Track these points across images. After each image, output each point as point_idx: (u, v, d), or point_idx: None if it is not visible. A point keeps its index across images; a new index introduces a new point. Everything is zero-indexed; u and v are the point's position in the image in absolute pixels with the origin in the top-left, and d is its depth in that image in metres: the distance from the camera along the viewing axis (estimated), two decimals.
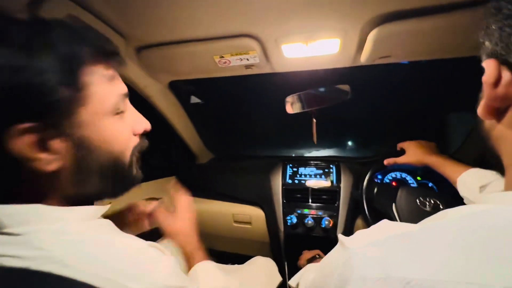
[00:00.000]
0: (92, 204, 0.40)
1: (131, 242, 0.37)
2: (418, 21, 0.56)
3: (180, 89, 1.05)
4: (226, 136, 1.40)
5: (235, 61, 0.76)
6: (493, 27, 0.27)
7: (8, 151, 0.29)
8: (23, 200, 0.33)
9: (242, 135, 1.40)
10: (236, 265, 0.92)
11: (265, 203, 1.10)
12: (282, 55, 0.73)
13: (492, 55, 0.28)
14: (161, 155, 1.33)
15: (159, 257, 0.38)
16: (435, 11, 0.54)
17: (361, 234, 0.31)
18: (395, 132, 1.20)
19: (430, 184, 0.97)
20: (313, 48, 0.70)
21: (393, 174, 1.03)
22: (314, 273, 0.39)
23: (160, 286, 0.35)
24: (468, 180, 0.69)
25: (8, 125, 0.29)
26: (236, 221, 1.14)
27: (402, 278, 0.22)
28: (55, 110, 0.31)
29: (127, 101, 0.42)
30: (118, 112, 0.38)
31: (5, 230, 0.30)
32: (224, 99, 1.30)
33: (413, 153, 0.86)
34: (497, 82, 0.27)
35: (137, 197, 0.71)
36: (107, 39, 0.38)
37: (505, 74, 0.26)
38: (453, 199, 0.74)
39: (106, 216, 0.58)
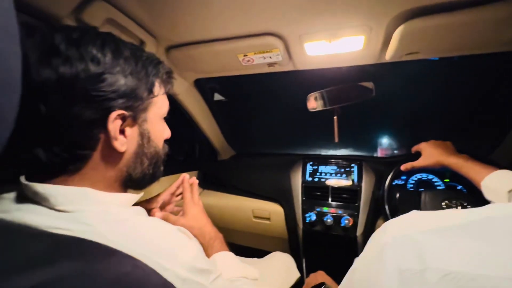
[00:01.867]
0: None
1: (163, 225, 0.41)
2: (447, 16, 0.54)
3: (205, 87, 1.09)
4: (248, 134, 1.42)
5: (259, 59, 0.78)
6: None
7: (107, 129, 0.39)
8: (75, 184, 0.38)
9: (264, 133, 1.42)
10: (255, 259, 0.94)
11: (284, 200, 1.11)
12: (305, 53, 0.74)
13: None
14: (185, 151, 1.39)
15: (187, 241, 0.41)
16: (465, 5, 0.52)
17: (392, 227, 0.30)
18: (420, 131, 1.16)
19: (459, 187, 0.93)
20: (337, 45, 0.70)
21: (418, 175, 0.99)
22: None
23: (188, 266, 0.38)
24: (494, 183, 0.64)
25: (111, 110, 0.38)
26: (255, 217, 1.16)
27: (441, 270, 0.22)
28: (138, 106, 0.43)
29: None
30: (163, 119, 0.51)
31: (58, 207, 0.35)
32: (246, 97, 1.33)
33: (430, 155, 0.82)
34: None
35: (163, 188, 0.75)
36: (165, 64, 0.50)
37: None
38: (485, 201, 0.71)
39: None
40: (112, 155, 0.41)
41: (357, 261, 0.34)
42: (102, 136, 0.39)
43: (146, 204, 0.68)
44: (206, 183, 1.32)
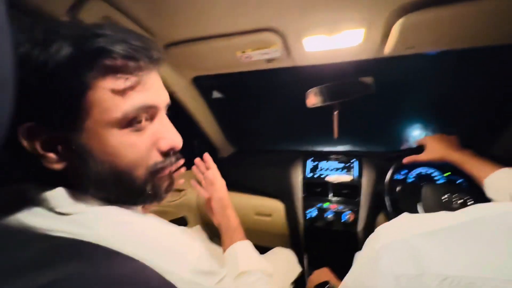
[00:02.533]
0: None
1: (165, 226, 0.40)
2: (446, 8, 0.54)
3: (203, 84, 1.08)
4: (247, 130, 1.42)
5: (257, 55, 0.77)
6: None
7: (23, 145, 0.32)
8: (74, 187, 0.36)
9: (263, 130, 1.42)
10: None
11: (285, 197, 1.11)
12: (304, 48, 0.74)
13: None
14: (183, 148, 1.38)
15: (190, 242, 0.40)
16: None
17: (385, 232, 0.29)
18: (422, 126, 1.15)
19: (459, 180, 0.93)
20: (336, 40, 0.69)
21: (418, 170, 0.99)
22: None
23: (191, 269, 0.37)
24: (498, 182, 0.63)
25: (20, 123, 0.31)
26: (257, 213, 1.16)
27: (438, 275, 0.22)
28: (58, 114, 0.32)
29: (159, 114, 0.40)
30: (133, 125, 0.36)
31: (59, 210, 0.34)
32: (245, 94, 1.33)
33: (434, 149, 0.81)
34: None
35: None
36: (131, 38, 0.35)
37: None
38: (485, 196, 0.71)
39: None
40: (57, 173, 0.35)
41: (352, 268, 0.34)
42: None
43: None
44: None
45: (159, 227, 0.39)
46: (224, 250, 0.63)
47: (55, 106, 0.31)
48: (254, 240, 1.26)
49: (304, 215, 1.04)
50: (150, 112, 0.38)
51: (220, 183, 0.71)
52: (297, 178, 1.10)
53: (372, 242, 0.30)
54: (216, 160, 1.35)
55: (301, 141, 1.34)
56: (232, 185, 1.25)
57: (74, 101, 0.32)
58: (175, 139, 0.40)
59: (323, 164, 1.10)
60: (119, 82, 0.33)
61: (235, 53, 0.76)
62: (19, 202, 0.36)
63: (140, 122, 0.36)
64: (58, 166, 0.34)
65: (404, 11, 0.57)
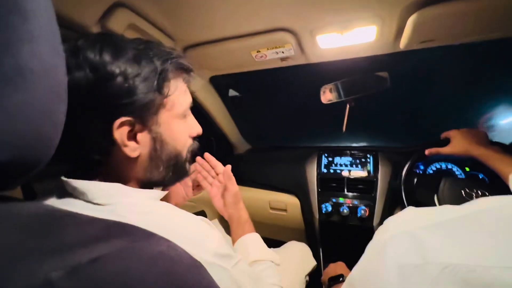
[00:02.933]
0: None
1: (187, 215, 0.44)
2: (460, 2, 0.53)
3: (220, 83, 1.12)
4: (263, 128, 1.45)
5: (271, 54, 0.79)
6: None
7: (113, 137, 0.39)
8: (107, 180, 0.42)
9: (278, 126, 1.44)
10: (272, 248, 0.97)
11: (301, 192, 1.13)
12: (317, 46, 0.75)
13: None
14: (202, 146, 1.44)
15: (209, 229, 0.44)
16: None
17: (392, 224, 0.30)
18: (438, 122, 1.12)
19: (481, 176, 0.90)
20: (349, 37, 0.70)
21: (437, 165, 0.97)
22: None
23: (212, 252, 0.41)
24: None
25: (115, 118, 0.38)
26: (272, 208, 1.19)
27: (440, 264, 0.22)
28: (146, 110, 0.41)
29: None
30: (184, 117, 0.48)
31: (95, 201, 0.40)
32: (261, 91, 1.35)
33: (459, 143, 0.77)
34: None
35: None
36: (183, 58, 0.46)
37: None
38: (508, 192, 0.69)
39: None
40: (126, 160, 0.42)
41: (360, 260, 0.34)
42: (113, 142, 0.39)
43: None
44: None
45: (182, 216, 0.43)
46: (234, 241, 0.66)
47: (147, 104, 0.40)
48: (269, 234, 1.31)
49: (319, 209, 1.05)
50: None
51: (233, 178, 0.75)
52: (312, 174, 1.11)
53: (378, 234, 0.31)
54: (232, 156, 1.41)
55: (316, 137, 1.35)
56: (249, 181, 1.30)
57: (158, 101, 0.42)
58: (199, 128, 0.53)
59: (338, 160, 1.10)
60: (183, 85, 0.47)
61: (250, 53, 0.79)
62: (61, 195, 0.41)
63: (186, 115, 0.49)
64: (135, 153, 0.42)
65: (417, 6, 0.57)
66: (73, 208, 0.39)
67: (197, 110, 1.13)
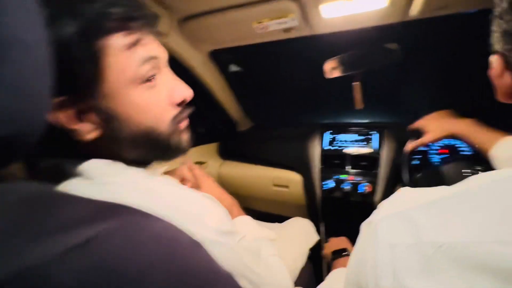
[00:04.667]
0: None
1: (189, 192, 0.43)
2: None
3: (221, 58, 1.08)
4: (266, 104, 1.42)
5: (274, 25, 0.75)
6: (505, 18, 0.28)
7: (53, 122, 0.34)
8: (100, 156, 0.39)
9: (281, 103, 1.40)
10: (276, 223, 1.00)
11: (303, 169, 1.13)
12: (323, 15, 0.70)
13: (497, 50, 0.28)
14: (205, 123, 1.43)
15: (213, 206, 0.43)
16: None
17: (384, 206, 0.30)
18: (447, 96, 1.08)
19: None
20: (359, 3, 0.65)
21: (444, 142, 0.95)
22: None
23: (215, 229, 0.40)
24: (504, 153, 0.59)
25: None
26: (275, 185, 1.20)
27: (434, 243, 0.22)
28: (79, 84, 0.34)
29: (163, 67, 0.41)
30: (146, 80, 0.38)
31: (91, 181, 0.38)
32: (263, 67, 1.30)
33: (436, 127, 0.75)
34: (502, 74, 0.28)
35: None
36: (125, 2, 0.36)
37: (507, 76, 0.28)
38: None
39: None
40: (90, 144, 0.37)
41: (355, 247, 0.34)
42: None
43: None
44: (227, 154, 1.37)
45: (184, 193, 0.42)
46: None
47: (76, 76, 0.33)
48: (273, 210, 1.33)
49: (321, 186, 1.06)
50: (156, 66, 0.39)
51: (205, 186, 0.68)
52: (315, 151, 1.11)
53: (372, 217, 0.31)
54: (235, 133, 1.40)
55: (320, 114, 1.32)
56: (252, 158, 1.30)
57: (91, 69, 0.34)
58: (186, 90, 0.43)
59: (341, 137, 1.09)
60: (124, 40, 0.35)
61: (251, 24, 0.75)
62: (56, 176, 0.39)
63: (150, 79, 0.38)
64: (91, 135, 0.37)
65: None
66: (70, 188, 0.38)
67: (199, 86, 1.10)
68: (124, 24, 0.35)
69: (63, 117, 0.34)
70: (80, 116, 0.36)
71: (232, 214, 0.66)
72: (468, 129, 0.68)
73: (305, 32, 0.81)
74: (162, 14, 0.70)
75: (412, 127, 0.84)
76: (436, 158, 0.92)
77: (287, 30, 0.79)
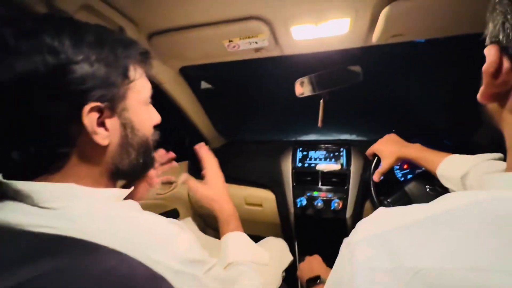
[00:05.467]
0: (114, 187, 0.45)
1: (153, 218, 0.40)
2: None
3: (191, 75, 1.06)
4: (237, 121, 1.41)
5: (244, 44, 0.76)
6: (498, 10, 0.27)
7: (82, 124, 0.36)
8: (59, 180, 0.36)
9: (253, 120, 1.41)
10: None
11: (276, 186, 1.12)
12: (291, 37, 0.73)
13: (494, 40, 0.27)
14: (174, 141, 1.37)
15: (178, 232, 0.40)
16: None
17: (362, 227, 0.30)
18: (407, 115, 1.18)
19: None
20: (323, 29, 0.69)
21: None
22: None
23: (180, 258, 0.37)
24: (447, 171, 0.66)
25: (83, 104, 0.36)
26: (247, 203, 1.17)
27: (412, 268, 0.22)
28: (113, 95, 0.39)
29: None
30: (148, 105, 0.48)
31: (43, 205, 0.34)
32: (234, 84, 1.31)
33: (388, 154, 0.82)
34: (497, 70, 0.27)
35: None
36: (139, 43, 0.46)
37: (506, 62, 0.26)
38: None
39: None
40: (95, 149, 0.39)
41: (334, 264, 0.34)
42: (80, 131, 0.37)
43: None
44: (197, 173, 1.32)
45: (147, 219, 0.39)
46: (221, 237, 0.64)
47: (113, 89, 0.39)
48: (245, 230, 1.29)
49: (295, 203, 1.05)
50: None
51: (214, 184, 0.70)
52: (287, 168, 1.11)
53: (351, 237, 0.30)
54: None
55: (291, 131, 1.35)
56: (223, 176, 1.26)
57: (125, 85, 0.41)
58: (159, 117, 0.52)
59: (312, 154, 1.11)
60: (144, 69, 0.46)
61: (222, 42, 0.75)
62: None
63: (148, 103, 0.48)
64: (106, 141, 0.39)
65: None
66: (13, 215, 0.33)
67: (167, 102, 1.06)
68: (143, 57, 0.46)
69: (91, 121, 0.37)
70: (103, 122, 0.39)
71: (229, 226, 0.64)
72: (416, 152, 0.76)
73: (275, 52, 0.83)
74: (130, 28, 0.68)
75: (368, 153, 0.91)
76: (399, 173, 0.97)
77: (257, 50, 0.80)
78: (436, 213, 0.26)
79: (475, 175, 0.59)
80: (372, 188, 0.88)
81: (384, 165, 0.83)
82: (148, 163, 0.50)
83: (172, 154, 0.75)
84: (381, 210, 0.31)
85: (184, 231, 0.42)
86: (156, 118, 0.51)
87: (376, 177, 0.86)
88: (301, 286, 1.01)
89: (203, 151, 0.72)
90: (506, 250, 0.20)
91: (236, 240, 0.62)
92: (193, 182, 0.67)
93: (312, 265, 0.78)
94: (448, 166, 0.66)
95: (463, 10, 0.57)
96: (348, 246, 0.29)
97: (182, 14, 0.65)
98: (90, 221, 0.34)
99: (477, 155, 0.62)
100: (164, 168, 0.75)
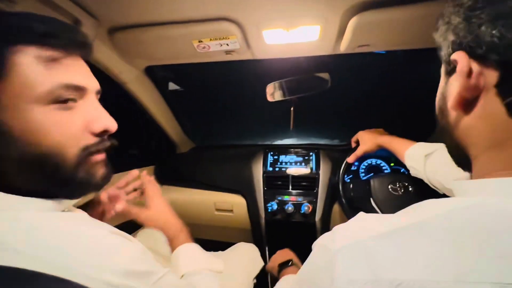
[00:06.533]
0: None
1: (91, 230, 0.35)
2: (396, 10, 0.57)
3: (158, 75, 1.01)
4: (207, 124, 1.38)
5: (215, 46, 0.74)
6: (458, 19, 0.28)
7: None
8: None
9: (223, 123, 1.39)
10: (219, 252, 0.93)
11: (246, 191, 1.11)
12: (263, 41, 0.72)
13: (459, 47, 0.28)
14: (139, 144, 1.29)
15: (121, 244, 0.36)
16: (413, 0, 0.55)
17: (341, 233, 0.29)
18: (373, 119, 1.25)
19: (402, 170, 1.02)
20: (294, 34, 0.69)
21: (368, 161, 1.07)
22: (294, 283, 0.37)
23: (121, 271, 0.34)
24: (413, 151, 0.74)
25: None
26: (218, 209, 1.14)
27: (393, 280, 0.22)
28: None
29: (90, 97, 0.38)
30: (60, 102, 0.34)
31: None
32: (204, 86, 1.27)
33: (366, 140, 0.91)
34: (469, 73, 0.27)
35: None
36: (54, 20, 0.35)
37: (474, 66, 0.27)
38: (422, 181, 0.79)
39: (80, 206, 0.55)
40: None
41: (308, 261, 0.33)
42: None
43: (91, 204, 0.61)
44: (164, 178, 1.25)
45: (83, 231, 0.34)
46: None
47: None
48: (216, 236, 1.25)
49: (266, 208, 1.05)
50: (78, 93, 0.36)
51: (155, 206, 0.64)
52: (258, 172, 1.10)
53: (327, 241, 0.29)
54: (173, 155, 1.30)
55: (261, 135, 1.35)
56: (192, 182, 1.21)
57: None
58: (108, 121, 0.39)
59: (283, 158, 1.12)
60: (43, 51, 0.33)
61: (191, 42, 0.72)
62: None
63: (67, 100, 0.35)
64: None
65: (358, 9, 0.59)
66: None
67: (132, 104, 0.99)
68: (43, 38, 0.33)
69: None
70: None
71: (179, 240, 0.60)
72: (390, 140, 0.84)
73: (246, 56, 0.82)
74: (88, 21, 0.61)
75: (353, 139, 0.97)
76: (364, 177, 1.02)
77: (228, 52, 0.79)
78: (417, 220, 0.26)
79: (438, 156, 0.66)
80: (340, 190, 0.92)
81: (360, 148, 0.91)
82: (73, 185, 0.37)
83: (148, 180, 0.66)
84: (360, 216, 0.31)
85: (128, 242, 0.37)
86: (99, 123, 0.38)
87: (351, 158, 0.93)
88: (271, 280, 1.00)
89: (144, 178, 0.67)
90: (489, 261, 0.21)
91: (186, 251, 0.59)
92: (133, 209, 0.61)
93: (283, 253, 0.83)
94: (417, 147, 0.74)
95: (424, 26, 0.61)
96: (326, 252, 0.28)
97: (147, 9, 0.61)
98: (11, 234, 0.29)
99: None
100: (129, 197, 0.67)
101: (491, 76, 0.26)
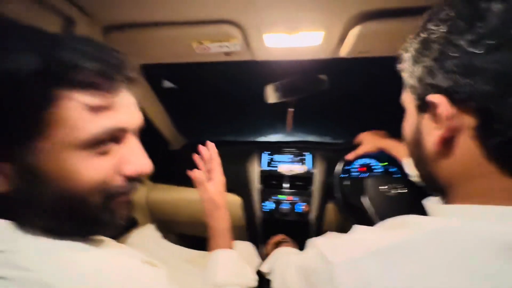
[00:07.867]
0: None
1: (125, 261, 0.34)
2: (398, 21, 0.58)
3: (152, 72, 0.97)
4: (201, 121, 1.36)
5: (215, 48, 0.72)
6: (433, 64, 0.29)
7: None
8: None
9: (217, 120, 1.37)
10: None
11: (242, 190, 1.11)
12: (264, 44, 0.71)
13: (438, 91, 0.29)
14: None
15: (152, 274, 0.36)
16: (416, 13, 0.56)
17: (341, 249, 0.31)
18: (367, 120, 1.28)
19: (394, 169, 1.06)
20: (296, 39, 0.69)
21: (361, 161, 1.10)
22: (294, 269, 0.40)
23: None
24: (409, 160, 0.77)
25: None
26: None
27: None
28: (14, 128, 0.27)
29: (128, 137, 0.35)
30: (97, 147, 0.31)
31: None
32: (199, 84, 1.24)
33: (368, 141, 0.94)
34: (452, 113, 0.28)
35: None
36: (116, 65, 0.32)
37: (454, 110, 0.28)
38: (414, 184, 0.82)
39: None
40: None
41: (302, 258, 0.36)
42: None
43: None
44: (157, 177, 1.23)
45: (117, 265, 0.33)
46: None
47: (12, 119, 0.27)
48: None
49: (261, 207, 1.06)
50: (119, 135, 0.33)
51: (216, 181, 0.69)
52: (254, 171, 1.10)
53: (326, 252, 0.31)
54: (166, 153, 1.27)
55: (256, 133, 1.35)
56: (185, 180, 1.19)
57: (35, 116, 0.27)
58: (143, 164, 0.36)
59: (278, 157, 1.12)
60: (92, 98, 0.30)
61: (191, 43, 0.69)
62: None
63: (106, 144, 0.32)
64: (0, 188, 0.29)
65: (361, 20, 0.59)
66: None
67: None
68: (95, 80, 0.30)
69: None
70: None
71: (222, 241, 0.62)
72: (391, 144, 0.87)
73: (246, 57, 0.81)
74: (81, 20, 0.57)
75: (356, 141, 0.99)
76: (356, 175, 1.05)
77: (228, 53, 0.77)
78: (411, 238, 0.28)
79: None
80: (335, 189, 0.94)
81: (361, 148, 0.94)
82: (97, 226, 0.35)
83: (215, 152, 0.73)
84: (357, 229, 0.33)
85: (157, 270, 0.38)
86: (133, 167, 0.34)
87: (351, 155, 0.95)
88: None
89: (213, 149, 0.68)
90: (476, 279, 0.23)
91: (228, 260, 0.59)
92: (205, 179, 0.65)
93: (278, 237, 0.90)
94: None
95: None
96: (326, 263, 0.30)
97: (145, 9, 0.58)
98: (48, 268, 0.27)
99: None
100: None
101: (470, 119, 0.27)
